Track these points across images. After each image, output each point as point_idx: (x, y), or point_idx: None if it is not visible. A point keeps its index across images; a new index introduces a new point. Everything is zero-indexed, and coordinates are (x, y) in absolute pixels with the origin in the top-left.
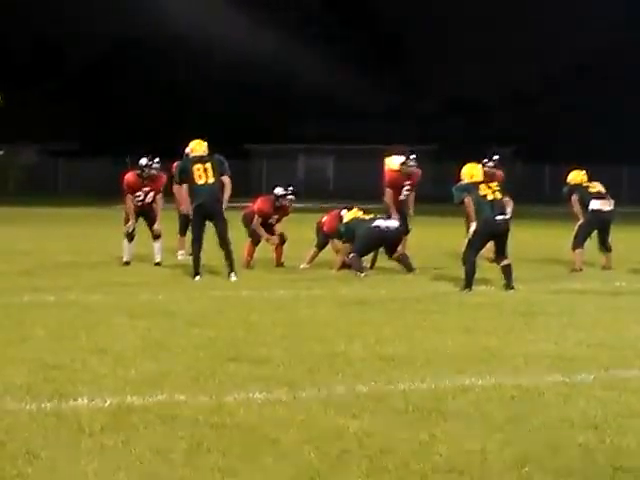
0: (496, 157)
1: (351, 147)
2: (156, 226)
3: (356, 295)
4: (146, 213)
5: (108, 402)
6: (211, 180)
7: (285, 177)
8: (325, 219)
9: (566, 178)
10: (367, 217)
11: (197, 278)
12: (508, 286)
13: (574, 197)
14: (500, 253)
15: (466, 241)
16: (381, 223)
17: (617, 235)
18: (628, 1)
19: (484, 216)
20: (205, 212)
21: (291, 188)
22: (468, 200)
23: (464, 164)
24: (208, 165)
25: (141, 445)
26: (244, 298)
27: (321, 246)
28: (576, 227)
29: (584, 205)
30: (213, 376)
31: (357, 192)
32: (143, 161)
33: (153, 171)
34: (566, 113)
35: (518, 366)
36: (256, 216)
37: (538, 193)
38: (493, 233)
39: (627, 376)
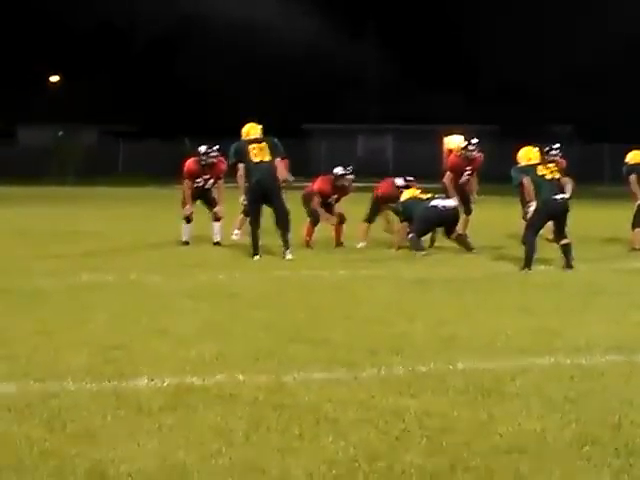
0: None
1: (410, 127)
2: (217, 208)
3: (416, 275)
4: (205, 196)
5: (167, 382)
6: (267, 158)
7: (344, 157)
8: (380, 185)
9: (625, 157)
10: (424, 196)
11: (256, 258)
12: (568, 265)
13: (632, 177)
14: (559, 233)
15: (525, 221)
16: (439, 203)
17: None
18: None
19: (543, 196)
20: (262, 190)
21: (350, 168)
22: (527, 181)
23: (524, 144)
24: (263, 145)
25: (200, 425)
26: (304, 278)
27: (371, 218)
28: (635, 206)
29: None
30: (273, 356)
31: (417, 172)
32: (202, 148)
33: (212, 159)
34: (623, 92)
35: (578, 346)
36: (315, 196)
37: (598, 172)
38: (552, 213)
39: None
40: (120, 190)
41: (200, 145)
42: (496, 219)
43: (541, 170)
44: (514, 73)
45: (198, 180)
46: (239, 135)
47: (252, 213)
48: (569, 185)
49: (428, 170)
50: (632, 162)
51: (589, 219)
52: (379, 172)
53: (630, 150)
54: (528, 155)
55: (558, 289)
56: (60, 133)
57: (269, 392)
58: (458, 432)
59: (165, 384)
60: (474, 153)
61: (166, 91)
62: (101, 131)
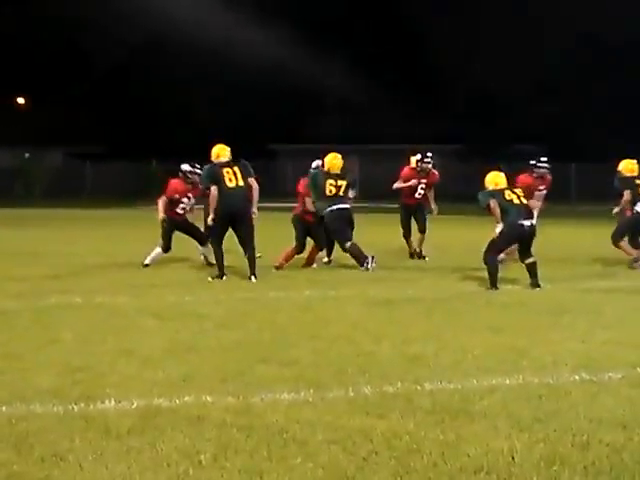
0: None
1: (376, 147)
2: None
3: (383, 295)
4: (184, 228)
5: (135, 404)
6: (241, 183)
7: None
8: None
9: (591, 176)
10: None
11: (223, 279)
12: (534, 284)
13: (627, 192)
14: (525, 252)
15: (489, 243)
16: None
17: None
18: None
19: (510, 220)
20: (233, 216)
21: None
22: (494, 203)
23: (489, 163)
24: (236, 169)
25: (168, 447)
26: (271, 299)
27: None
28: (621, 220)
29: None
30: (240, 377)
31: (382, 192)
32: (186, 167)
33: (196, 177)
34: (590, 109)
35: (545, 365)
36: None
37: (565, 191)
38: (518, 237)
39: None
40: (86, 212)
41: (182, 164)
42: (461, 238)
43: (509, 195)
44: (481, 91)
45: (183, 200)
46: (206, 155)
47: (217, 235)
48: (536, 211)
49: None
50: (626, 174)
51: (557, 238)
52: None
53: (596, 169)
54: (495, 180)
55: (525, 308)
56: (26, 155)
57: (237, 414)
58: (426, 453)
59: (133, 406)
60: (429, 166)
61: (132, 112)
62: (67, 153)
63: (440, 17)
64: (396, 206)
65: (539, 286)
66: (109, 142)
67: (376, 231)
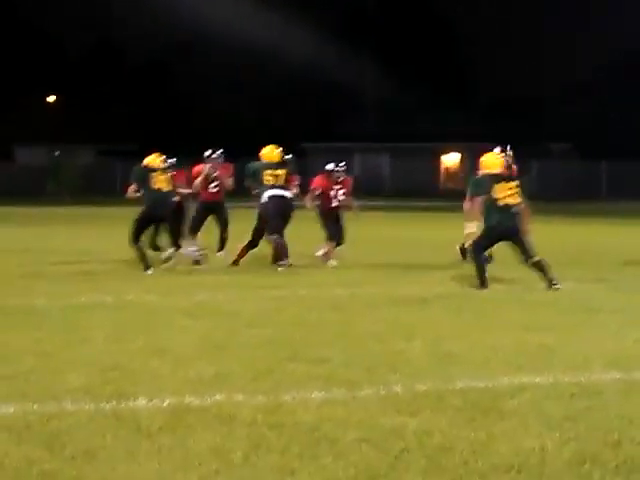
0: (342, 164)
1: (407, 145)
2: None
3: (413, 293)
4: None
5: (166, 402)
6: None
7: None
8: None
9: (624, 173)
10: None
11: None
12: (550, 284)
13: None
14: (524, 253)
15: (475, 240)
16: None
17: None
18: None
19: (495, 218)
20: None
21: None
22: (479, 202)
23: (519, 161)
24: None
25: (199, 445)
26: (301, 297)
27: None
28: None
29: None
30: (271, 376)
31: (413, 190)
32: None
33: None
34: (620, 107)
35: (576, 364)
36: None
37: (596, 189)
38: (501, 235)
39: None
40: (117, 209)
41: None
42: None
43: (499, 190)
44: (513, 90)
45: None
46: (239, 153)
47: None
48: (522, 209)
49: (424, 188)
50: None
51: (586, 237)
52: (376, 190)
53: (628, 167)
54: (492, 161)
55: (555, 307)
56: (57, 153)
57: (268, 412)
58: (457, 451)
59: (164, 404)
60: (341, 176)
61: (164, 110)
62: (98, 150)
63: (472, 17)
64: (431, 204)
65: (556, 284)
66: (141, 140)
67: (416, 228)
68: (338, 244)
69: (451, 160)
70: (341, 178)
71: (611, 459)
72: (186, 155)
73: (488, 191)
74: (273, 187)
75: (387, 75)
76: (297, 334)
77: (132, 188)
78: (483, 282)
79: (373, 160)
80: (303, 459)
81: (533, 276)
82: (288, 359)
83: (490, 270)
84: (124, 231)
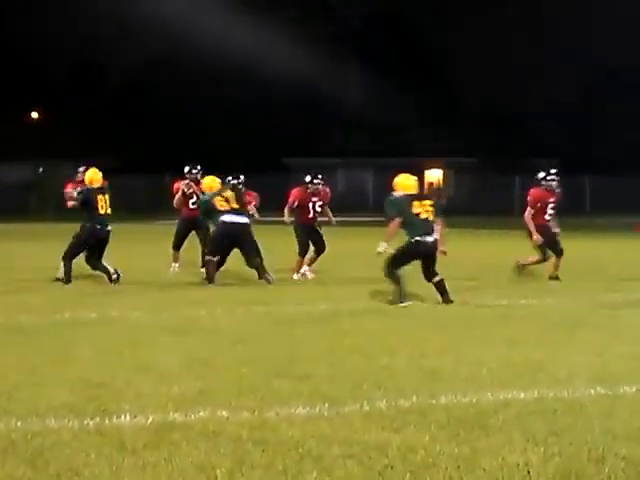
0: (319, 176)
1: (391, 160)
2: None
3: (398, 309)
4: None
5: (151, 419)
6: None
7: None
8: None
9: (605, 188)
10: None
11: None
12: (445, 300)
13: None
14: (428, 271)
15: (389, 256)
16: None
17: None
18: None
19: (414, 235)
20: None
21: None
22: (396, 222)
23: (503, 176)
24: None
25: (184, 462)
26: (286, 313)
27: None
28: None
29: None
30: (256, 392)
31: None
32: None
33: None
34: (604, 122)
35: (560, 379)
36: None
37: (580, 204)
38: (419, 254)
39: None
40: None
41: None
42: (475, 252)
43: (417, 207)
44: (497, 106)
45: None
46: (220, 170)
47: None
48: (438, 227)
49: None
50: None
51: (571, 251)
52: (360, 206)
53: (610, 183)
54: (405, 184)
55: (540, 322)
56: (40, 169)
57: (252, 428)
58: (441, 467)
59: (148, 421)
60: (318, 187)
61: (146, 127)
62: (81, 166)
63: (457, 33)
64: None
65: (452, 301)
66: (123, 156)
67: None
68: (319, 253)
69: (435, 175)
70: (319, 190)
71: (596, 474)
72: (170, 172)
73: (402, 211)
74: (227, 212)
75: (372, 91)
76: (281, 350)
77: None
78: (401, 295)
79: (357, 176)
80: (287, 475)
81: (517, 292)
82: (272, 375)
83: (474, 285)
84: (108, 247)
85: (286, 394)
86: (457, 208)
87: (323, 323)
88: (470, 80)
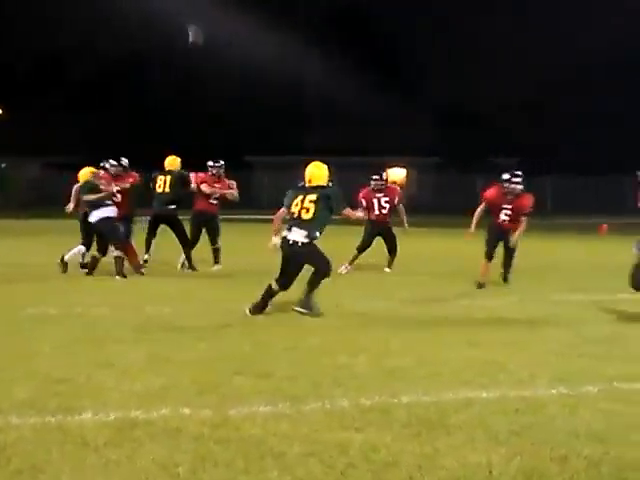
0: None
1: (352, 159)
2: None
3: (362, 308)
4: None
5: (113, 416)
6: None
7: (285, 189)
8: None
9: (568, 189)
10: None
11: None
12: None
13: None
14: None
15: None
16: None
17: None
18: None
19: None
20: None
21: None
22: (281, 212)
23: (465, 175)
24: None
25: (146, 459)
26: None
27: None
28: None
29: None
30: (217, 390)
31: (357, 204)
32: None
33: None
34: (571, 122)
35: (522, 379)
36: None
37: (541, 205)
38: (285, 255)
39: (632, 388)
40: (64, 222)
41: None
42: (437, 250)
43: (295, 205)
44: (461, 106)
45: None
46: (185, 166)
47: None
48: (307, 229)
49: None
50: None
51: (533, 251)
52: None
53: (572, 183)
54: (313, 172)
55: (502, 322)
56: (3, 165)
57: (214, 426)
58: (403, 466)
59: (110, 418)
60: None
61: (110, 123)
62: (45, 163)
63: (422, 32)
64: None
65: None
66: (87, 152)
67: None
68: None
69: (398, 174)
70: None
71: (558, 474)
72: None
73: (289, 205)
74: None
75: (336, 89)
76: (243, 348)
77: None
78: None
79: None
80: (249, 473)
81: (478, 292)
82: (234, 373)
83: (436, 284)
84: (71, 243)
85: (248, 392)
86: (420, 207)
87: (284, 321)
88: (434, 79)
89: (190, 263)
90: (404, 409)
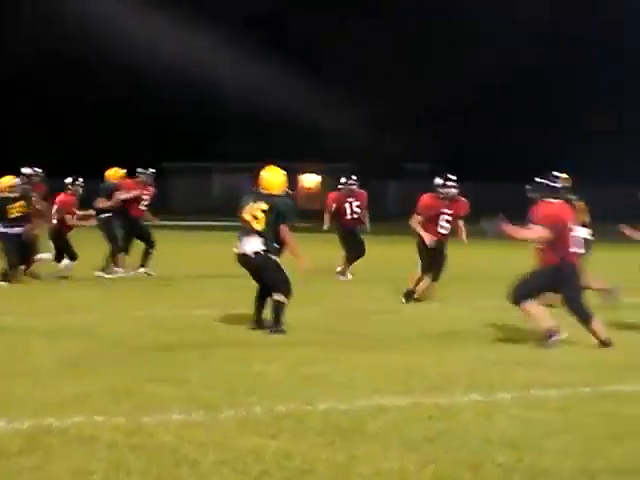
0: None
1: (264, 164)
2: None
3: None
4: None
5: (26, 424)
6: None
7: (202, 196)
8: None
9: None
10: None
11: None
12: (267, 325)
13: None
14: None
15: None
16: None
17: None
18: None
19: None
20: None
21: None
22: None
23: (378, 181)
24: None
25: (59, 467)
26: (162, 319)
27: None
28: None
29: None
30: (131, 397)
31: None
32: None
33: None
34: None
35: (436, 385)
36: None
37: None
38: (243, 267)
39: (546, 395)
40: None
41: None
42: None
43: (246, 215)
44: (371, 109)
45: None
46: (93, 172)
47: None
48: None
49: None
50: None
51: (450, 256)
52: (234, 210)
53: (489, 188)
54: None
55: (418, 327)
56: None
57: (128, 433)
58: (318, 473)
59: (23, 426)
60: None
61: (22, 129)
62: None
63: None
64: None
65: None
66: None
67: None
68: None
69: (310, 180)
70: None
71: None
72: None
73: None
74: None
75: (248, 93)
76: (157, 355)
77: None
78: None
79: (233, 180)
80: None
81: (393, 298)
82: (148, 380)
83: (352, 291)
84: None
85: (162, 399)
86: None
87: (199, 329)
88: (348, 82)
89: (110, 268)
90: (319, 416)
